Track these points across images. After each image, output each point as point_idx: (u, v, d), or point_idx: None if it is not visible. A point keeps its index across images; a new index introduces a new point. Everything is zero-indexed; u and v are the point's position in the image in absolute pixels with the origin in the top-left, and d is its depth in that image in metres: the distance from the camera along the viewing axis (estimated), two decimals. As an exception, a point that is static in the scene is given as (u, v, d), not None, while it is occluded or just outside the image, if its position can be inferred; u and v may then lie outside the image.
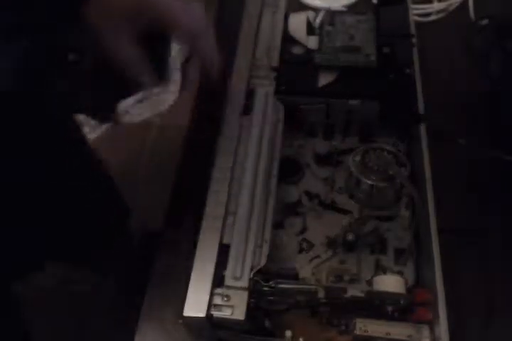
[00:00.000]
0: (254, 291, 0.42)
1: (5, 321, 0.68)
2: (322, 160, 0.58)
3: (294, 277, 0.49)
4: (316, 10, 0.63)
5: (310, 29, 0.59)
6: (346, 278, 0.49)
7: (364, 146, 0.56)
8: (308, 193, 0.56)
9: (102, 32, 0.40)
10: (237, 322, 0.40)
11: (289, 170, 0.57)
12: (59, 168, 0.64)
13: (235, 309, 0.40)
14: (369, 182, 0.52)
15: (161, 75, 0.92)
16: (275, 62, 0.57)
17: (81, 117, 0.76)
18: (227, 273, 0.42)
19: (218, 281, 0.42)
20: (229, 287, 0.41)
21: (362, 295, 0.43)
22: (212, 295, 0.41)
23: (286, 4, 0.63)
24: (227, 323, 0.41)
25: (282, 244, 0.51)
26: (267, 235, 0.45)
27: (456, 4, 0.77)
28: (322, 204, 0.55)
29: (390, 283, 0.45)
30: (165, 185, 0.64)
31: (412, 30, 0.59)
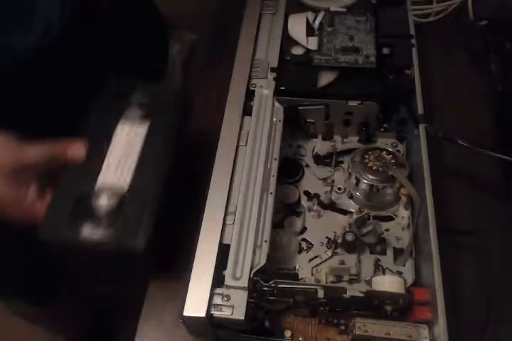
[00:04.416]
0: (254, 291, 0.42)
1: None
2: (322, 160, 0.58)
3: (294, 277, 0.50)
4: (315, 10, 0.63)
5: (309, 30, 0.59)
6: (346, 278, 0.49)
7: (363, 147, 0.56)
8: (307, 193, 0.56)
9: None
10: (237, 322, 0.41)
11: (289, 170, 0.57)
12: None
13: (234, 309, 0.41)
14: (368, 182, 0.52)
15: (161, 73, 0.92)
16: (275, 62, 0.57)
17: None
18: (227, 273, 0.42)
19: (218, 281, 0.42)
20: (229, 287, 0.42)
21: (361, 295, 0.43)
22: (212, 295, 0.41)
23: (285, 5, 0.63)
24: (227, 323, 0.41)
25: (282, 244, 0.51)
26: (267, 235, 0.45)
27: (456, 5, 0.77)
28: (321, 204, 0.55)
29: (390, 283, 0.45)
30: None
31: (412, 30, 0.59)
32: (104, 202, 0.47)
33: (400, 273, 0.49)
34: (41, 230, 0.45)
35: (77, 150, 0.48)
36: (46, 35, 0.51)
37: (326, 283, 0.49)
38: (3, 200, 0.45)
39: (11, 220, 0.46)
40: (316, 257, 0.51)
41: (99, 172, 0.48)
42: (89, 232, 0.45)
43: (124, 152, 0.49)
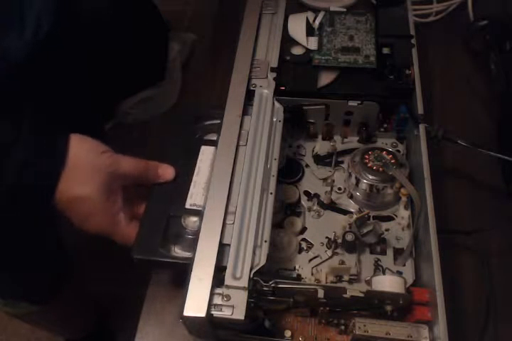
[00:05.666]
0: (254, 291, 0.42)
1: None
2: (322, 160, 0.58)
3: (294, 277, 0.50)
4: (315, 10, 0.63)
5: (309, 30, 0.60)
6: (346, 278, 0.49)
7: (363, 147, 0.56)
8: (307, 193, 0.56)
9: None
10: (237, 322, 0.40)
11: (289, 170, 0.57)
12: None
13: (234, 309, 0.40)
14: (368, 182, 0.52)
15: (161, 75, 0.93)
16: (275, 62, 0.57)
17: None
18: (227, 273, 0.42)
19: (218, 281, 0.42)
20: (229, 287, 0.41)
21: (361, 295, 0.43)
22: (212, 295, 0.41)
23: (285, 5, 0.63)
24: (227, 323, 0.41)
25: (282, 244, 0.51)
26: (267, 235, 0.45)
27: (456, 5, 0.77)
28: (322, 204, 0.55)
29: (390, 283, 0.45)
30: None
31: (412, 30, 0.59)
32: (194, 223, 0.48)
33: (400, 273, 0.49)
34: (136, 249, 0.46)
35: (167, 170, 0.51)
36: (38, 35, 0.52)
37: (326, 283, 0.49)
38: (94, 205, 0.46)
39: (93, 227, 0.47)
40: (316, 257, 0.51)
41: (187, 195, 0.50)
42: (181, 252, 0.47)
43: (208, 176, 0.51)
